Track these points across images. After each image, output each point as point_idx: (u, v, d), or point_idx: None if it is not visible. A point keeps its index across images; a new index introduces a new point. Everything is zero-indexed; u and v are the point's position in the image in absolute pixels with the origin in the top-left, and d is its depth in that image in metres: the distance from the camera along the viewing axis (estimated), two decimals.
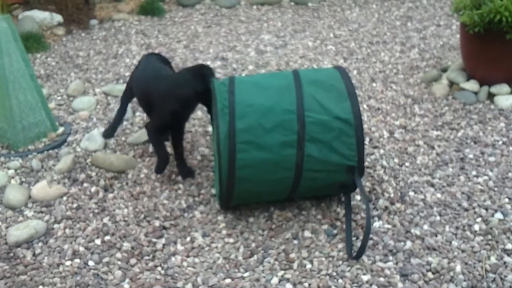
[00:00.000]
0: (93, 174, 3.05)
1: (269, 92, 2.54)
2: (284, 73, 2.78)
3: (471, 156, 3.19)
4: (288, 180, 2.52)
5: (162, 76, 3.02)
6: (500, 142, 3.32)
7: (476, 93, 3.84)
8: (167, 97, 2.86)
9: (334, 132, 2.46)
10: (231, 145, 2.41)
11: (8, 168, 3.10)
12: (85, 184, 2.96)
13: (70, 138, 3.40)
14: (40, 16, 5.17)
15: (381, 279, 2.33)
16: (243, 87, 2.57)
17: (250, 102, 2.49)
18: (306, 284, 2.32)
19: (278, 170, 2.47)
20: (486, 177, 2.98)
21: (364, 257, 2.44)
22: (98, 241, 2.56)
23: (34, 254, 2.50)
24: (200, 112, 3.59)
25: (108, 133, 3.23)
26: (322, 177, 2.54)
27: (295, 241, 2.56)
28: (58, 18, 5.26)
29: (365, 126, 3.53)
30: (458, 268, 2.36)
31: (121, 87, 4.04)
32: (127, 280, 2.36)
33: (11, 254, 2.49)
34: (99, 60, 4.61)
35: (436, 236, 2.56)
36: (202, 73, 2.92)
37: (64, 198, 2.86)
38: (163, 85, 2.93)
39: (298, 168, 2.46)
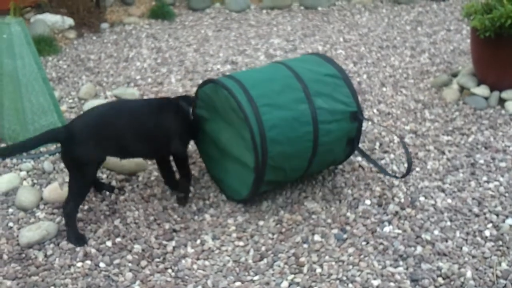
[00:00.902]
0: (104, 176, 3.07)
1: (265, 71, 2.93)
2: (269, 65, 3.13)
3: (481, 161, 3.18)
4: (309, 135, 2.69)
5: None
6: (511, 148, 3.30)
7: (486, 98, 3.83)
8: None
9: (330, 86, 2.80)
10: (255, 108, 2.61)
11: (20, 170, 3.12)
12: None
13: None
14: (51, 19, 5.22)
15: (392, 284, 2.32)
16: (241, 73, 2.91)
17: (253, 77, 2.80)
18: None
19: (299, 126, 2.67)
20: (497, 183, 2.97)
21: (374, 262, 2.44)
22: (109, 243, 2.58)
23: (45, 255, 2.52)
24: None
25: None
26: (334, 129, 2.75)
27: (305, 245, 2.57)
28: (69, 21, 5.30)
29: (375, 130, 3.53)
30: (469, 274, 2.36)
31: (132, 91, 4.08)
32: (137, 282, 2.37)
33: (23, 255, 2.52)
34: (110, 64, 4.65)
35: (446, 241, 2.56)
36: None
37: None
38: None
39: (315, 122, 2.69)
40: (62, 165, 3.17)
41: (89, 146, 2.54)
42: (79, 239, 2.58)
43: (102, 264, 2.46)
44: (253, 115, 2.59)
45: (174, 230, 2.67)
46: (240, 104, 2.61)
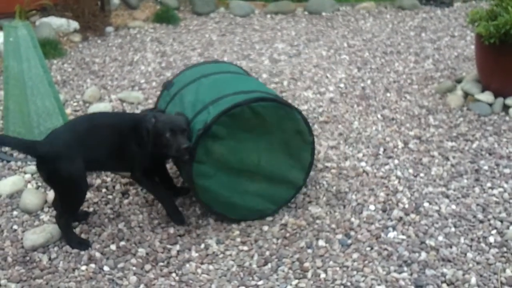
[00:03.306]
0: (109, 180, 3.07)
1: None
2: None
3: (486, 167, 3.17)
4: None
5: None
6: None
7: (491, 105, 3.83)
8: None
9: None
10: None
11: (25, 173, 3.13)
12: (100, 190, 2.99)
13: None
14: (57, 22, 5.25)
15: None
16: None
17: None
18: None
19: None
20: (501, 189, 2.97)
21: (379, 268, 2.43)
22: (113, 247, 2.58)
23: (50, 258, 2.52)
24: None
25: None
26: None
27: (309, 250, 2.57)
28: (74, 25, 5.33)
29: (379, 136, 3.53)
30: (473, 280, 2.35)
31: (136, 94, 4.09)
32: (141, 286, 2.37)
33: (28, 258, 2.52)
34: (115, 67, 4.66)
35: (451, 247, 2.55)
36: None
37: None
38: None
39: None
40: None
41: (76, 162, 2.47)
42: (81, 244, 2.58)
43: (106, 268, 2.46)
44: None
45: (179, 234, 2.67)
46: (310, 128, 2.82)
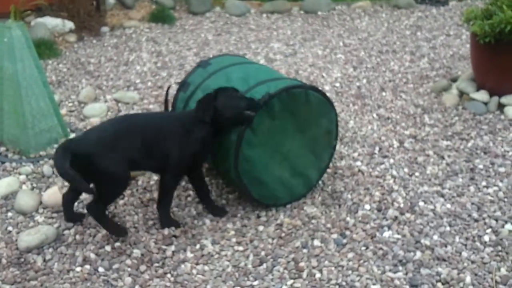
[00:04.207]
0: None
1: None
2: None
3: (481, 166, 3.18)
4: None
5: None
6: (510, 153, 3.31)
7: (486, 104, 3.84)
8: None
9: None
10: None
11: (20, 174, 3.12)
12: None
13: None
14: (52, 22, 5.23)
15: None
16: None
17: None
18: None
19: None
20: (496, 188, 2.97)
21: (374, 267, 2.44)
22: (108, 248, 2.57)
23: (44, 260, 2.51)
24: None
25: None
26: None
27: (305, 250, 2.57)
28: (70, 25, 5.32)
29: (374, 135, 3.53)
30: (468, 279, 2.35)
31: (131, 94, 4.08)
32: (136, 286, 2.36)
33: (22, 260, 2.51)
34: (110, 67, 4.65)
35: (446, 246, 2.56)
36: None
37: (75, 204, 2.87)
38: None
39: None
40: None
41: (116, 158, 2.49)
42: (119, 231, 2.58)
43: (101, 269, 2.45)
44: None
45: (174, 235, 2.67)
46: (338, 132, 2.97)
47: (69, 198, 2.73)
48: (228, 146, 2.66)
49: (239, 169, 2.68)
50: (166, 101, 2.99)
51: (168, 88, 3.10)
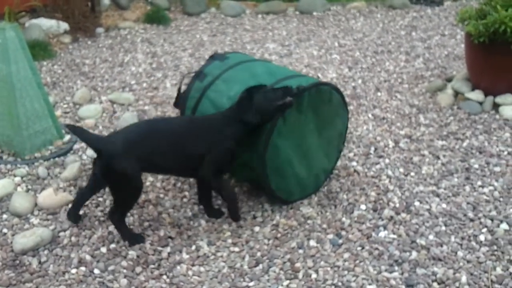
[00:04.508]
0: None
1: None
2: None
3: (476, 166, 3.18)
4: None
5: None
6: (506, 152, 3.32)
7: (481, 103, 3.85)
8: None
9: None
10: None
11: (15, 176, 3.11)
12: None
13: (76, 146, 3.42)
14: (46, 24, 5.22)
15: None
16: None
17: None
18: None
19: None
20: (491, 187, 2.98)
21: (369, 267, 2.44)
22: (103, 249, 2.57)
23: (40, 262, 2.50)
24: None
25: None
26: None
27: (300, 250, 2.56)
28: (64, 26, 5.30)
29: (370, 135, 3.54)
30: (464, 278, 2.36)
31: (127, 95, 4.07)
32: None
33: (17, 262, 2.50)
34: (105, 68, 4.64)
35: (441, 246, 2.56)
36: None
37: (70, 205, 2.87)
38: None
39: None
40: (56, 170, 3.17)
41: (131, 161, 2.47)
42: (137, 239, 2.58)
43: (96, 271, 2.45)
44: None
45: (169, 236, 2.66)
46: (345, 137, 3.00)
47: (84, 198, 2.73)
48: (258, 134, 2.65)
49: (266, 157, 2.66)
50: (179, 90, 2.95)
51: (183, 78, 3.06)
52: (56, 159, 3.28)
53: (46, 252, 2.56)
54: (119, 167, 2.44)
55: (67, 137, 3.48)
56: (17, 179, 3.08)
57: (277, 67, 3.06)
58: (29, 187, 3.03)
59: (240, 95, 2.61)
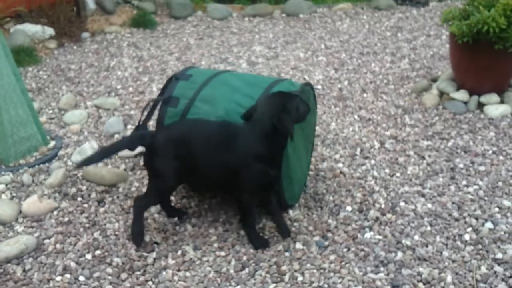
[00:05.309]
0: (84, 188, 3.04)
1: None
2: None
3: (461, 165, 3.20)
4: None
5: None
6: (490, 152, 3.34)
7: (466, 103, 3.87)
8: None
9: None
10: None
11: None
12: (76, 199, 2.95)
13: (61, 152, 3.40)
14: (32, 29, 5.18)
15: None
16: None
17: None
18: None
19: None
20: (476, 187, 3.00)
21: (355, 269, 2.44)
22: (88, 256, 2.55)
23: (24, 270, 2.48)
24: None
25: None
26: None
27: (287, 253, 2.56)
28: (50, 31, 5.28)
29: (356, 136, 3.55)
30: (449, 278, 2.37)
31: (112, 100, 4.05)
32: None
33: (1, 270, 2.47)
34: (91, 73, 4.62)
35: (427, 246, 2.57)
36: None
37: (55, 212, 2.85)
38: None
39: None
40: (41, 177, 3.14)
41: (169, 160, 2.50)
42: (139, 234, 2.59)
43: (81, 278, 2.43)
44: None
45: (155, 242, 2.65)
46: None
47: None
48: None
49: (282, 169, 2.61)
50: (146, 118, 2.80)
51: (146, 105, 2.82)
52: (41, 165, 3.25)
53: (30, 260, 2.54)
54: (155, 162, 2.54)
55: (52, 143, 3.46)
56: (1, 186, 3.06)
57: (251, 76, 3.06)
58: (14, 194, 3.00)
59: (267, 105, 2.50)
